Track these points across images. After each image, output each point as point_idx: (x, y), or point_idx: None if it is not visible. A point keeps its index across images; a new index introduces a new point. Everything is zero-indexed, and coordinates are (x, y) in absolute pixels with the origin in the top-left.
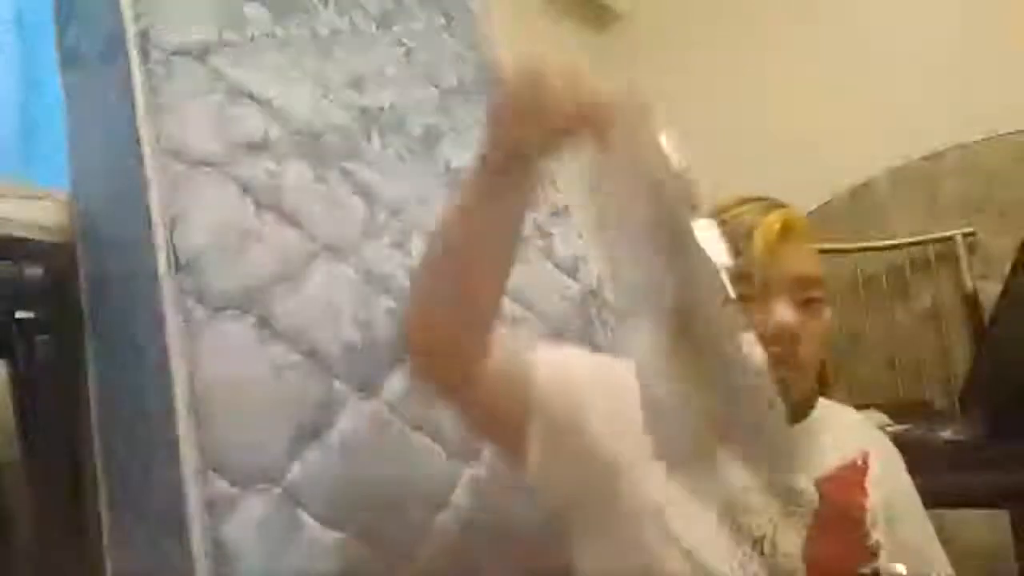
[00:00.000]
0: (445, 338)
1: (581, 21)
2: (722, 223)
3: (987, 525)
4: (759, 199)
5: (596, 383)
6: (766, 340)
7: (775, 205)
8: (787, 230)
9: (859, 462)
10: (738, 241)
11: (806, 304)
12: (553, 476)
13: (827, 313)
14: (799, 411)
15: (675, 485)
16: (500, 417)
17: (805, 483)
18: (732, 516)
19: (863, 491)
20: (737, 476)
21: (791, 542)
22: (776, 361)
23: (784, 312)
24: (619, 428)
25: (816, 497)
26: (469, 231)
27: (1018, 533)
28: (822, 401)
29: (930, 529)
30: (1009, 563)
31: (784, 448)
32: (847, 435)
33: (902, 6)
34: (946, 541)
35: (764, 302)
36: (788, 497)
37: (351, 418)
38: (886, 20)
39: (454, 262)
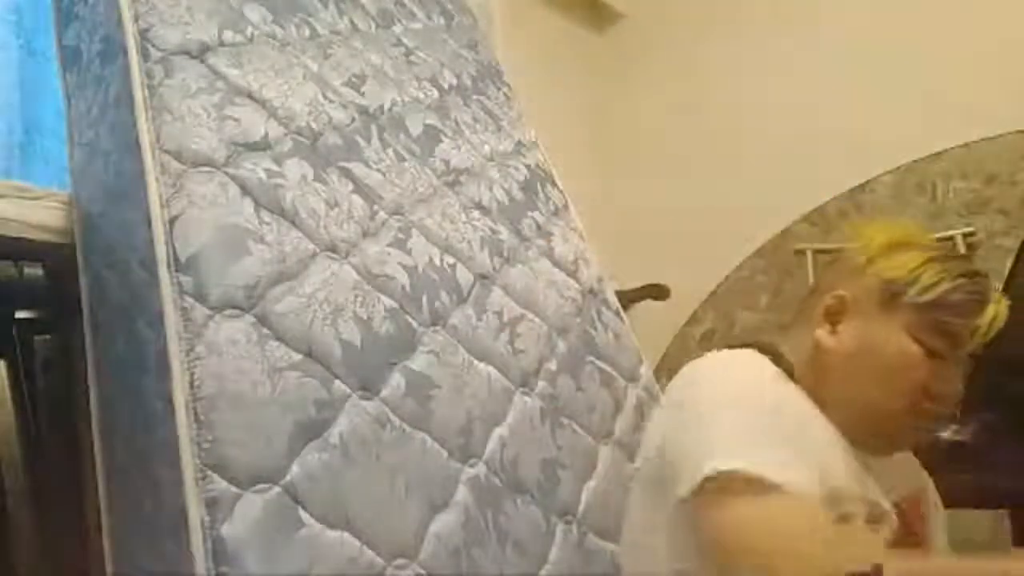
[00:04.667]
0: None
1: (581, 21)
2: (964, 282)
3: (987, 525)
4: (975, 274)
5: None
6: (936, 400)
7: (992, 288)
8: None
9: (915, 492)
10: (968, 307)
11: None
12: None
13: None
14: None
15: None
16: None
17: (887, 504)
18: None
19: (923, 518)
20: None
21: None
22: (931, 418)
23: (960, 384)
24: None
25: (893, 516)
26: None
27: (1018, 533)
28: None
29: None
30: None
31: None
32: (903, 467)
33: (902, 6)
34: (946, 541)
35: (950, 367)
36: (875, 513)
37: (351, 418)
38: (886, 20)
39: None
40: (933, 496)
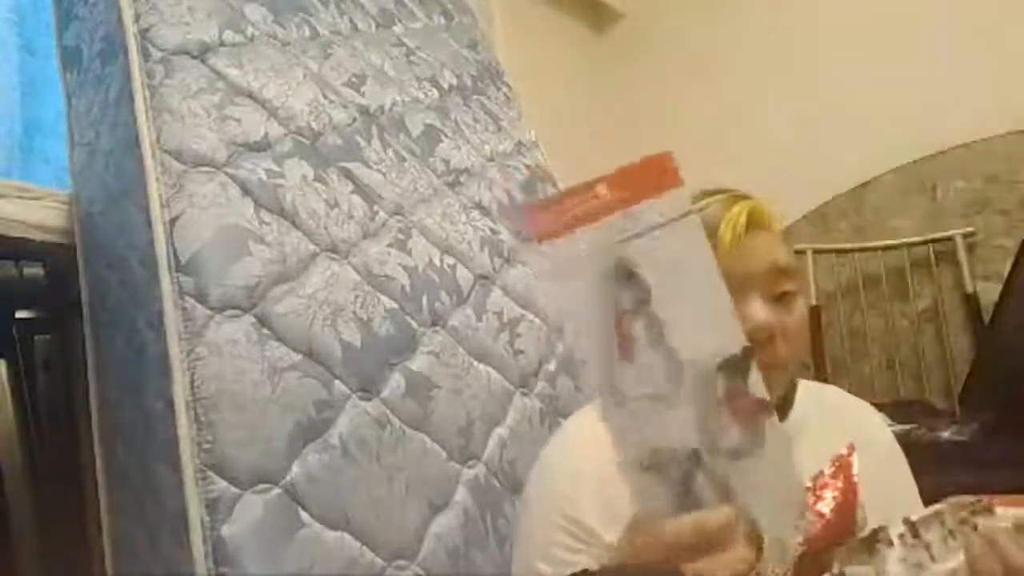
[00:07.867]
0: None
1: (581, 21)
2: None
3: None
4: (720, 191)
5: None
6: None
7: (739, 197)
8: (754, 221)
9: (844, 451)
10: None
11: (780, 298)
12: None
13: (801, 304)
14: (780, 410)
15: None
16: None
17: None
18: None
19: (852, 488)
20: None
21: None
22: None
23: (759, 310)
24: None
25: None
26: None
27: None
28: (801, 383)
29: (908, 477)
30: None
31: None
32: (831, 418)
33: (902, 7)
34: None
35: (736, 301)
36: None
37: (351, 418)
38: (886, 21)
39: None
40: (881, 447)
